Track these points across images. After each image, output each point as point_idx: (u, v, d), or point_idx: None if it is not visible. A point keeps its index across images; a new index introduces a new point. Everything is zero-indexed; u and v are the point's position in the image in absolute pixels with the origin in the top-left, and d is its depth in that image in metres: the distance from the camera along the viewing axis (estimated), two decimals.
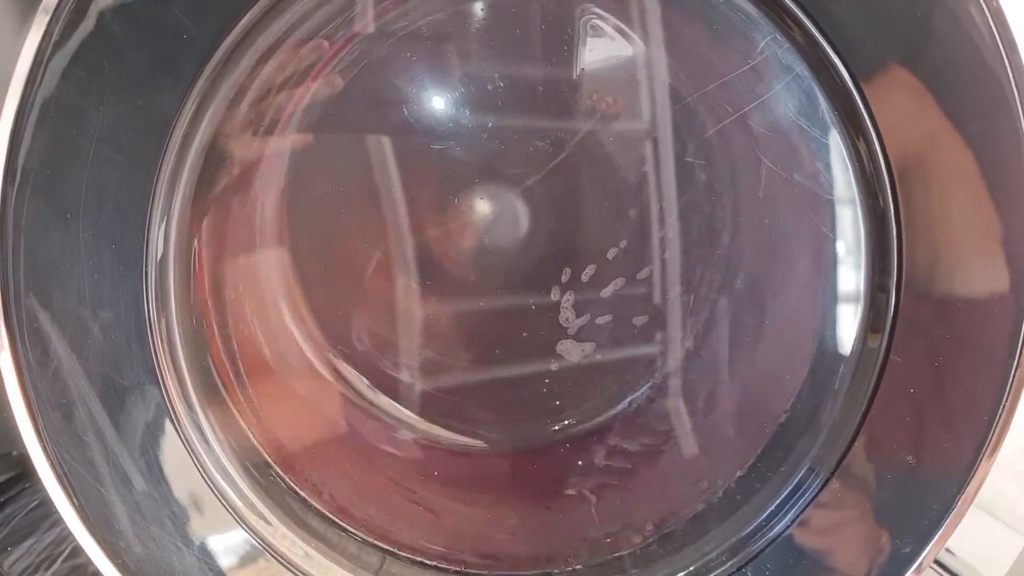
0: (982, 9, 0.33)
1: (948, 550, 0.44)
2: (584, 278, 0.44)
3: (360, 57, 0.42)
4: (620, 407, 0.46)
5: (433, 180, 0.44)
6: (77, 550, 0.44)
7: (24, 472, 0.50)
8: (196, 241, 0.41)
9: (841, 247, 0.40)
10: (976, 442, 0.36)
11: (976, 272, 0.36)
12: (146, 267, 0.38)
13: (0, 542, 0.47)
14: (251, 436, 0.43)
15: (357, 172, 0.44)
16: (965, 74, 0.34)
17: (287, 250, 0.44)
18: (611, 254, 0.44)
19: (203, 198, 0.41)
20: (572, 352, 0.45)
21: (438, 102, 0.43)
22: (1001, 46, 0.33)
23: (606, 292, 0.44)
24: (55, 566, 0.45)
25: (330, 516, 0.43)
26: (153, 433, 0.39)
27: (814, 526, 0.40)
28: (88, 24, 0.34)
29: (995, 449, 0.36)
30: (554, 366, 0.45)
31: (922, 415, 0.38)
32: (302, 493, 0.43)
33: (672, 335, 0.45)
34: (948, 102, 0.35)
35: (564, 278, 0.44)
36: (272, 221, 0.44)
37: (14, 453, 0.50)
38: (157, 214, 0.38)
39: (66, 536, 0.46)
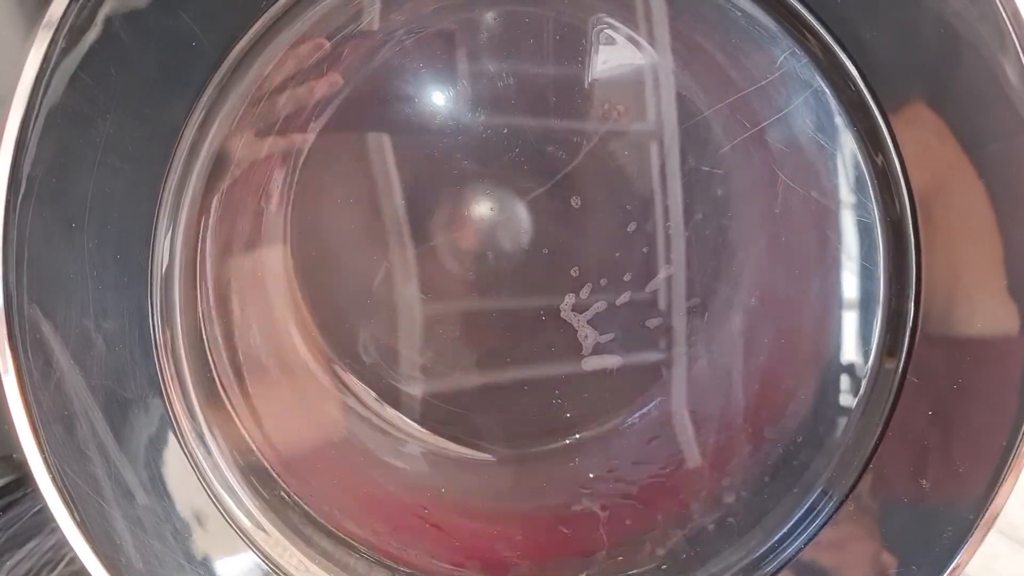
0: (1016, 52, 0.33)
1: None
2: (594, 290, 0.44)
3: (368, 65, 0.42)
4: (630, 422, 0.46)
5: (440, 188, 0.44)
6: None
7: (27, 475, 0.50)
8: (200, 252, 0.41)
9: (858, 267, 0.40)
10: (994, 467, 0.36)
11: (995, 296, 0.36)
12: (151, 278, 0.38)
13: (2, 545, 0.46)
14: (255, 450, 0.42)
15: (363, 179, 0.44)
16: (987, 110, 0.34)
17: (292, 259, 0.44)
18: (621, 266, 0.44)
19: (208, 207, 0.41)
20: (593, 364, 0.44)
21: (446, 110, 0.43)
22: None
23: (615, 304, 0.44)
24: (57, 570, 0.45)
25: (335, 532, 0.43)
26: (156, 446, 0.38)
27: (826, 548, 0.39)
28: (95, 31, 0.34)
29: (1013, 474, 0.36)
30: (564, 380, 0.45)
31: (939, 438, 0.37)
32: (307, 508, 0.42)
33: (683, 350, 0.45)
34: (970, 140, 0.35)
35: (573, 289, 0.44)
36: (276, 229, 0.44)
37: (15, 456, 0.50)
38: (163, 224, 0.38)
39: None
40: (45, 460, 0.35)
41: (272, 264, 0.44)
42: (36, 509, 0.49)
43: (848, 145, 0.38)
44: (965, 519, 0.36)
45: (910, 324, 0.37)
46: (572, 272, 0.44)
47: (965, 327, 0.36)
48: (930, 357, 0.37)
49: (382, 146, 0.44)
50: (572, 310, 0.44)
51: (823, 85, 0.38)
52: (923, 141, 0.35)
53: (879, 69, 0.36)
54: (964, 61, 0.34)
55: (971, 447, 0.36)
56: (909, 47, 0.35)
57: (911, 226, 0.36)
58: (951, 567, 0.36)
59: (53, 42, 0.33)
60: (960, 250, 0.36)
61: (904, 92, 0.35)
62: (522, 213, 0.44)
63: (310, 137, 0.43)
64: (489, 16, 0.42)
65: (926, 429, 0.37)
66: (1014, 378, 0.35)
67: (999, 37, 0.33)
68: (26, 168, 0.34)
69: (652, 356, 0.45)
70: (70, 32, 0.33)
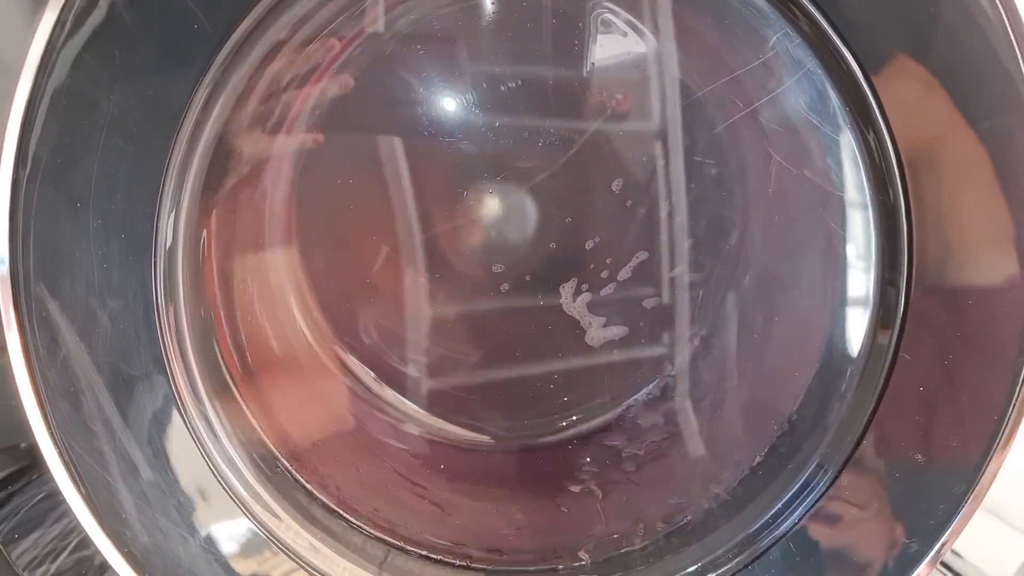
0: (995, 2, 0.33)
1: (955, 552, 0.44)
2: (592, 275, 0.44)
3: (369, 53, 0.42)
4: (628, 404, 0.46)
5: (442, 176, 0.44)
6: (83, 542, 0.44)
7: (32, 464, 0.50)
8: (205, 233, 0.41)
9: (851, 244, 0.40)
10: (986, 441, 0.36)
11: (987, 269, 0.36)
12: (155, 257, 0.38)
13: (7, 534, 0.47)
14: (258, 428, 0.43)
15: (366, 168, 0.44)
16: (976, 68, 0.34)
17: (295, 244, 0.44)
18: (619, 251, 0.44)
19: (213, 191, 0.41)
20: (598, 338, 0.45)
21: (447, 98, 0.43)
22: (1014, 40, 0.33)
23: (614, 289, 0.44)
24: (61, 558, 0.45)
25: (335, 508, 0.43)
26: (160, 423, 0.39)
27: (822, 523, 0.40)
28: (100, 13, 0.34)
29: (1005, 448, 0.36)
30: (562, 362, 0.45)
31: (931, 413, 0.37)
32: (308, 485, 0.43)
33: (680, 333, 0.45)
34: (959, 96, 0.35)
35: (572, 274, 0.44)
36: (281, 215, 0.44)
37: (22, 445, 0.50)
38: (166, 204, 0.38)
39: (72, 528, 0.46)
40: (52, 435, 0.36)
41: (275, 247, 0.44)
42: (39, 497, 0.50)
43: (839, 122, 0.39)
44: (957, 493, 0.36)
45: (902, 297, 0.38)
46: (570, 258, 0.44)
47: (961, 286, 0.37)
48: (922, 330, 0.37)
49: (383, 134, 0.44)
50: (571, 295, 0.44)
51: (814, 64, 0.38)
52: (910, 99, 0.36)
53: (858, 29, 0.36)
54: (941, 7, 0.34)
55: (964, 421, 0.37)
56: (884, 1, 0.35)
57: (902, 198, 0.37)
58: (943, 538, 0.37)
59: (58, 23, 0.34)
60: (955, 209, 0.36)
61: (885, 48, 0.36)
62: (522, 200, 0.44)
63: (316, 130, 0.43)
64: (488, 1, 0.42)
65: (919, 404, 0.38)
66: (1007, 351, 0.36)
67: None
68: (32, 148, 0.35)
69: (650, 339, 0.45)
70: (75, 14, 0.34)
